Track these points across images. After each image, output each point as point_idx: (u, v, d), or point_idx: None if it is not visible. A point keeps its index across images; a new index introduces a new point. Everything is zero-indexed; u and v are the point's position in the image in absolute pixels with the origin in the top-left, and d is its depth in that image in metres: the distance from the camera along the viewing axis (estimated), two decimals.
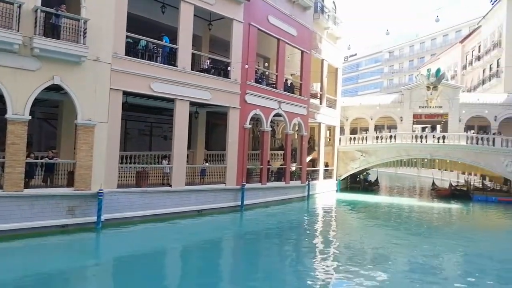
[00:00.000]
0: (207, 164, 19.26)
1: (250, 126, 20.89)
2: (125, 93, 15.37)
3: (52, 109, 17.34)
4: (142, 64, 15.45)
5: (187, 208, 17.05)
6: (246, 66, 18.96)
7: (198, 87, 17.39)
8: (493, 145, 26.54)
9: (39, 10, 12.34)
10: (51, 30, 12.77)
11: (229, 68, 18.83)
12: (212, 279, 9.72)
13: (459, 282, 10.27)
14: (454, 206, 25.82)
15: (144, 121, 21.70)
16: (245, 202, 19.48)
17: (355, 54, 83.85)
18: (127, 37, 15.13)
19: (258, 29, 20.51)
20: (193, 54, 17.78)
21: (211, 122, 22.09)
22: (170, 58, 16.93)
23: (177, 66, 16.66)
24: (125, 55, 14.94)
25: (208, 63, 19.13)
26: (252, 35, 20.10)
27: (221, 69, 19.11)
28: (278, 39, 22.11)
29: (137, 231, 14.20)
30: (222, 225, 16.84)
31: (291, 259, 12.20)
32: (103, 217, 13.82)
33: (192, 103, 17.77)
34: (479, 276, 10.64)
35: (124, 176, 15.63)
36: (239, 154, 19.58)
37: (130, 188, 15.37)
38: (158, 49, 16.63)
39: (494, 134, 28.11)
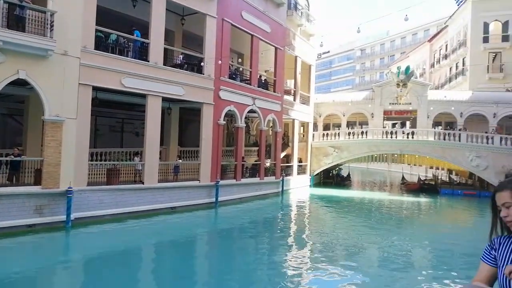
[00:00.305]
0: (180, 160, 19.08)
1: (224, 122, 20.83)
2: (95, 89, 14.97)
3: (18, 104, 16.68)
4: (112, 59, 15.08)
5: (160, 206, 16.85)
6: (220, 62, 18.86)
7: (170, 82, 17.16)
8: (459, 140, 27.59)
9: (2, 1, 11.81)
10: (16, 22, 12.25)
11: (202, 64, 18.68)
12: (186, 277, 9.67)
13: (425, 273, 10.66)
14: (423, 199, 26.71)
15: (115, 117, 21.23)
16: (220, 199, 19.44)
17: (328, 52, 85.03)
18: (96, 30, 14.72)
19: (232, 24, 20.42)
20: (165, 49, 17.52)
21: (184, 118, 21.87)
22: (142, 52, 16.61)
23: (149, 61, 16.36)
24: (95, 49, 14.53)
25: (181, 59, 18.90)
26: (225, 30, 20.00)
27: (194, 65, 18.93)
28: (252, 35, 22.10)
29: (108, 229, 13.91)
30: (196, 222, 16.75)
31: (265, 254, 12.30)
32: (72, 216, 13.46)
33: (164, 99, 17.52)
34: (443, 267, 11.09)
35: (94, 174, 15.25)
36: (213, 150, 19.49)
37: (100, 185, 15.01)
38: (129, 43, 16.29)
39: (460, 130, 29.21)
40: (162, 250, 12.46)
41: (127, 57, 15.83)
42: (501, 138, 27.01)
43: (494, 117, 29.17)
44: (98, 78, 14.53)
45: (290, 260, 11.32)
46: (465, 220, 20.63)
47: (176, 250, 12.29)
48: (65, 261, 10.82)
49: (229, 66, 21.29)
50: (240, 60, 24.88)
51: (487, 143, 26.92)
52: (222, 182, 19.83)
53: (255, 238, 14.60)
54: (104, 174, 15.51)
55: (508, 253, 1.80)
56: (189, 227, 15.69)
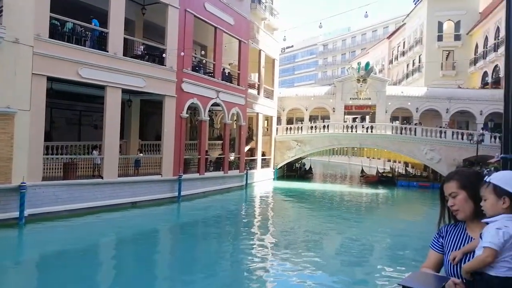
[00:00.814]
0: (141, 154, 18.63)
1: (187, 115, 20.55)
2: (50, 79, 14.25)
3: None
4: (68, 48, 14.39)
5: (121, 201, 16.40)
6: (182, 54, 18.51)
7: (131, 74, 16.65)
8: (415, 134, 28.87)
9: None
10: None
11: (164, 55, 18.26)
12: (147, 274, 9.50)
13: (381, 261, 11.12)
14: (381, 191, 27.77)
15: (73, 109, 20.34)
16: (183, 193, 19.22)
17: (292, 46, 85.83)
18: (51, 18, 13.97)
19: (195, 16, 20.08)
20: (125, 39, 16.95)
21: (145, 110, 21.33)
22: (100, 42, 15.98)
23: (107, 51, 15.77)
24: (50, 38, 13.80)
25: (142, 49, 18.38)
26: (188, 21, 19.64)
27: (156, 56, 18.47)
28: (215, 28, 21.86)
29: (64, 226, 13.36)
30: (158, 217, 16.48)
31: (229, 247, 12.32)
32: (26, 212, 12.81)
33: (124, 91, 16.99)
34: (398, 255, 11.62)
35: (50, 168, 14.56)
36: (176, 144, 19.19)
37: (57, 180, 14.37)
38: (87, 32, 15.61)
39: (415, 124, 30.56)
40: (122, 246, 12.15)
41: (85, 46, 15.18)
42: (453, 133, 28.53)
43: (447, 112, 30.73)
44: (53, 68, 13.83)
45: (254, 252, 11.42)
46: (419, 211, 21.68)
47: (137, 246, 12.02)
48: (16, 260, 10.29)
49: (192, 58, 20.98)
50: (203, 52, 24.57)
51: (440, 137, 28.35)
52: (185, 176, 19.59)
53: (219, 232, 14.59)
54: (60, 168, 14.85)
55: (454, 241, 1.89)
56: (150, 222, 15.40)
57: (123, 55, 16.54)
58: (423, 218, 19.07)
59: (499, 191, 1.69)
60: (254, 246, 12.26)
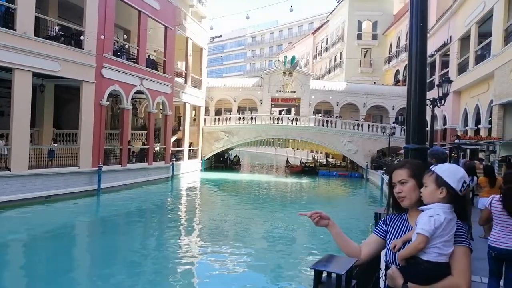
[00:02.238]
0: (56, 144, 17.13)
1: (108, 103, 19.34)
2: None
3: None
4: None
5: (32, 195, 14.98)
6: (102, 37, 17.30)
7: (43, 56, 15.16)
8: (335, 127, 30.59)
9: None
10: None
11: (82, 38, 16.91)
12: (61, 274, 8.79)
13: (305, 247, 11.65)
14: (304, 180, 29.03)
15: None
16: (103, 186, 18.14)
17: (220, 36, 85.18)
18: None
19: None
20: (37, 18, 15.37)
21: (61, 97, 19.62)
22: (7, 20, 14.26)
23: (16, 30, 14.15)
24: None
25: (57, 30, 16.83)
26: (109, 3, 18.38)
27: (73, 38, 17.05)
28: (139, 11, 20.78)
29: None
30: (75, 211, 15.37)
31: (153, 242, 11.93)
32: None
33: (36, 75, 15.44)
34: (320, 242, 12.26)
35: None
36: (95, 133, 17.98)
37: None
38: None
39: (336, 117, 32.36)
40: (33, 245, 11.09)
41: None
42: (368, 126, 30.79)
43: (364, 106, 32.99)
44: None
45: (179, 245, 11.21)
46: (338, 198, 23.08)
47: (51, 244, 11.08)
48: None
49: (114, 43, 19.74)
50: (126, 36, 23.22)
51: (358, 129, 30.41)
52: (105, 167, 18.49)
53: (142, 226, 14.06)
54: None
55: (396, 229, 1.98)
56: (66, 217, 14.31)
57: (35, 35, 14.98)
58: (342, 204, 20.33)
59: (439, 181, 1.79)
60: (179, 239, 12.04)
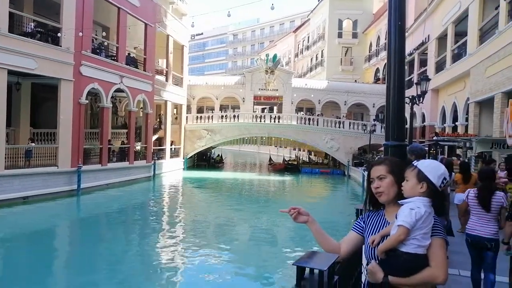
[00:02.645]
0: (33, 144, 16.67)
1: (87, 101, 18.97)
2: None
3: None
4: None
5: (9, 196, 14.55)
6: (80, 34, 16.92)
7: (19, 53, 14.73)
8: (317, 125, 30.85)
9: None
10: None
11: (59, 35, 16.50)
12: (39, 278, 8.58)
13: (288, 245, 11.72)
14: (287, 178, 29.18)
15: None
16: (83, 186, 17.79)
17: (202, 33, 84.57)
18: None
19: None
20: (11, 14, 14.91)
21: (38, 95, 19.09)
22: None
23: None
24: None
25: (33, 26, 16.38)
26: None
27: (49, 35, 16.61)
28: (119, 8, 20.41)
29: None
30: (54, 212, 15.05)
31: (135, 242, 11.79)
32: None
33: (11, 72, 15.00)
34: (303, 239, 12.36)
35: None
36: (74, 132, 17.60)
37: None
38: None
39: (318, 115, 32.63)
40: (11, 247, 10.79)
41: None
42: (350, 123, 31.17)
43: (345, 104, 33.37)
44: None
45: (162, 246, 11.11)
46: (321, 195, 23.32)
47: (29, 246, 10.82)
48: None
49: (93, 40, 19.36)
50: (105, 34, 22.78)
51: (339, 127, 30.75)
52: (85, 167, 18.14)
53: (123, 227, 13.87)
54: None
55: (373, 225, 2.03)
56: (45, 218, 13.99)
57: (9, 32, 14.54)
58: (325, 201, 20.56)
59: (421, 176, 1.85)
60: (162, 239, 11.93)
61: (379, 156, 21.82)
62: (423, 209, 1.79)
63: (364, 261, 2.04)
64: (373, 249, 1.91)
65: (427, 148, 19.56)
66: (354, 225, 2.13)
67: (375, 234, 1.96)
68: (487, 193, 4.49)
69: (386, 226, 1.95)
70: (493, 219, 4.45)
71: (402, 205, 1.86)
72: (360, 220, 2.11)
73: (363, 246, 2.04)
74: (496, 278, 4.55)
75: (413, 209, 1.79)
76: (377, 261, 1.87)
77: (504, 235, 4.30)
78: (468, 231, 4.63)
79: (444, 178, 1.86)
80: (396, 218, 1.85)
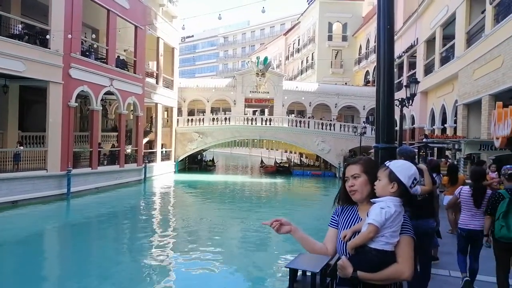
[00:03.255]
0: (22, 147, 16.46)
1: (77, 104, 18.78)
2: None
3: None
4: None
5: None
6: (70, 36, 16.78)
7: (6, 55, 14.54)
8: (308, 127, 30.97)
9: None
10: None
11: (48, 37, 16.34)
12: (33, 282, 8.45)
13: (281, 247, 11.72)
14: (279, 180, 29.22)
15: None
16: (73, 189, 17.58)
17: (192, 36, 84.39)
18: None
19: None
20: None
21: (26, 98, 18.88)
22: None
23: None
24: None
25: (21, 28, 16.20)
26: (76, 1, 17.83)
27: (38, 37, 16.44)
28: (108, 10, 20.29)
29: None
30: (44, 216, 14.83)
31: (126, 247, 11.67)
32: None
33: None
34: (296, 241, 12.38)
35: None
36: (63, 135, 17.42)
37: None
38: None
39: (309, 118, 32.76)
40: (1, 251, 10.63)
41: None
42: (340, 126, 31.36)
43: (335, 107, 33.56)
44: None
45: (153, 251, 11.02)
46: (312, 197, 23.37)
47: (18, 251, 10.64)
48: None
49: (82, 42, 19.21)
50: (94, 36, 22.61)
51: (330, 129, 30.92)
52: (75, 170, 17.94)
53: (114, 230, 13.74)
54: None
55: (346, 220, 2.08)
56: (34, 222, 13.78)
57: None
58: (316, 203, 20.60)
59: (392, 177, 1.92)
60: (153, 244, 11.83)
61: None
62: (393, 209, 1.85)
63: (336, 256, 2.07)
64: (344, 244, 1.96)
65: (416, 150, 19.78)
66: (331, 220, 2.17)
67: (347, 229, 2.01)
68: (480, 192, 4.96)
69: (358, 222, 2.00)
70: (482, 213, 4.89)
71: (374, 203, 1.92)
72: (335, 214, 2.16)
73: (337, 241, 2.06)
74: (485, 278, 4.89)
75: (383, 208, 1.85)
76: (347, 256, 1.92)
77: (484, 228, 4.75)
78: (462, 225, 5.10)
79: (415, 179, 1.92)
80: (367, 216, 1.90)
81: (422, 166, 4.87)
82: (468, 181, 6.41)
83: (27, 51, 15.45)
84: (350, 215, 2.08)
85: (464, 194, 5.10)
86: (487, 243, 4.75)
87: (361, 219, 2.00)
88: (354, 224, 2.02)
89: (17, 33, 15.99)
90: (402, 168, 1.93)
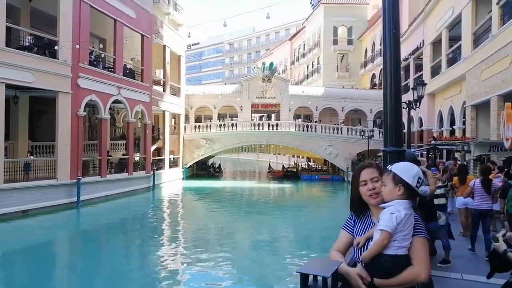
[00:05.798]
0: (32, 157, 16.65)
1: (85, 113, 19.01)
2: None
3: None
4: None
5: (8, 210, 14.50)
6: (78, 46, 17.02)
7: (16, 67, 14.79)
8: (315, 131, 30.90)
9: None
10: None
11: (56, 47, 16.59)
12: None
13: (291, 254, 11.67)
14: (287, 185, 29.14)
15: None
16: (82, 198, 17.73)
17: (198, 43, 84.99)
18: None
19: (91, 6, 18.64)
20: (8, 28, 15.00)
21: (36, 108, 19.13)
22: None
23: None
24: None
25: (30, 40, 16.47)
26: (84, 12, 18.13)
27: (47, 48, 16.69)
28: (115, 20, 20.56)
29: None
30: (55, 225, 14.96)
31: (136, 255, 11.72)
32: None
33: (9, 86, 15.07)
34: (305, 246, 12.33)
35: None
36: (73, 144, 17.61)
37: None
38: None
39: (316, 122, 32.70)
40: (11, 261, 10.75)
41: None
42: (348, 129, 31.23)
43: (342, 110, 33.47)
44: None
45: (163, 257, 11.04)
46: (321, 202, 23.27)
47: (30, 260, 10.75)
48: None
49: (90, 52, 19.46)
50: (101, 45, 22.91)
51: (337, 133, 30.81)
52: (84, 179, 18.10)
53: (124, 238, 13.82)
54: None
55: (362, 226, 2.06)
56: (45, 231, 13.90)
57: (6, 46, 14.61)
58: (324, 207, 20.51)
59: (396, 179, 1.91)
60: (162, 250, 11.87)
61: (378, 162, 21.86)
62: (403, 212, 1.85)
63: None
64: (359, 251, 1.96)
65: (425, 153, 19.62)
66: (345, 224, 2.14)
67: (361, 235, 2.01)
68: (487, 183, 6.78)
69: (372, 227, 2.00)
70: (490, 197, 6.80)
71: (384, 208, 1.91)
72: (351, 219, 2.14)
73: (353, 247, 2.06)
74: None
75: (393, 213, 1.85)
76: (362, 264, 1.91)
77: (499, 208, 7.25)
78: (475, 206, 6.85)
79: (419, 178, 1.92)
80: (378, 221, 1.89)
81: (423, 168, 4.96)
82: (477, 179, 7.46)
83: (36, 62, 15.70)
84: (365, 221, 2.07)
85: (477, 184, 6.85)
86: (503, 217, 7.00)
87: (374, 223, 1.98)
88: (368, 229, 2.01)
89: (27, 44, 16.25)
90: (405, 169, 1.92)
